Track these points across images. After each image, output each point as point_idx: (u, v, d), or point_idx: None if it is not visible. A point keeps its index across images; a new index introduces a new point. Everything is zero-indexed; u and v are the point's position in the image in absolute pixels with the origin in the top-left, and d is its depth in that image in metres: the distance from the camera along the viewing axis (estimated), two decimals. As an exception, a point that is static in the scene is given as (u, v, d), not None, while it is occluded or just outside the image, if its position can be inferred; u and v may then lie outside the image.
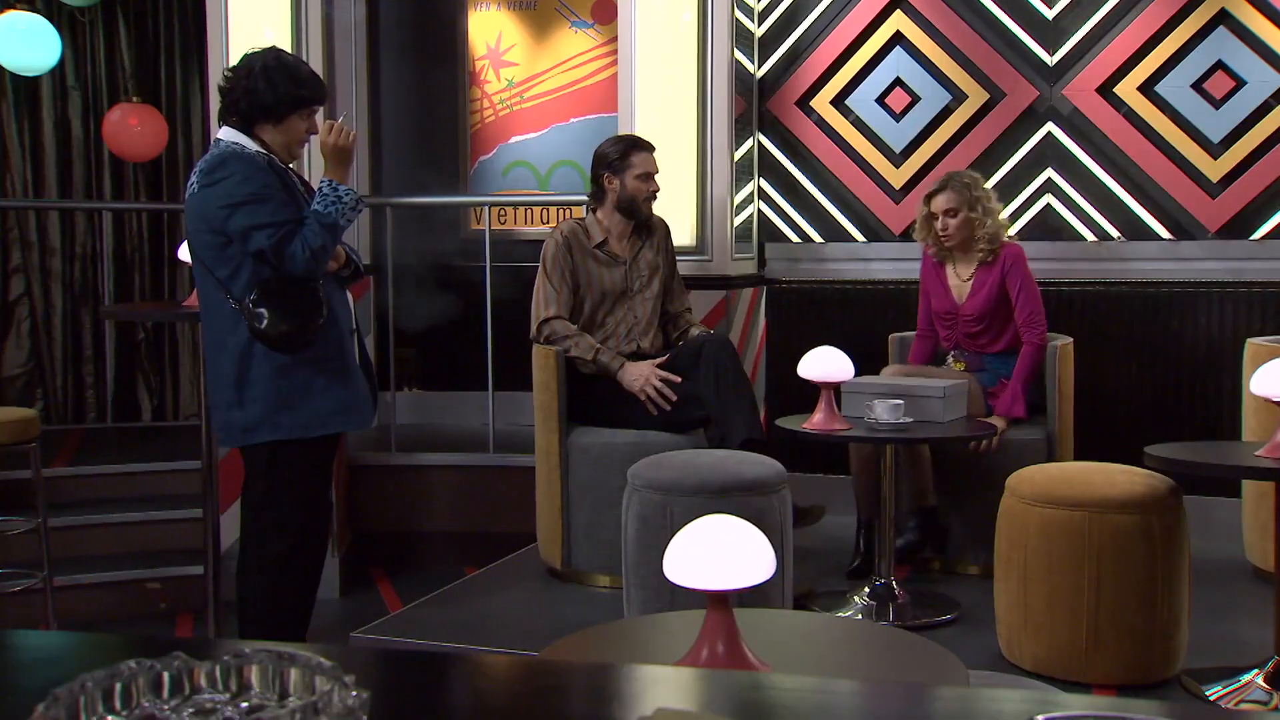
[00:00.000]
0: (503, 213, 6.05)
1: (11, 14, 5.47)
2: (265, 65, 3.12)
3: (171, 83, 6.32)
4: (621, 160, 4.09)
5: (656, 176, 4.17)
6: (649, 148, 4.16)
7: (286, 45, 4.86)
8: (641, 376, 3.95)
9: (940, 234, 4.13)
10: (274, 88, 3.09)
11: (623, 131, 4.81)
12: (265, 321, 3.03)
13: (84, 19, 6.13)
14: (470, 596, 3.81)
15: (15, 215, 6.07)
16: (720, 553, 1.81)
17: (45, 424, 5.72)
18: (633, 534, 3.30)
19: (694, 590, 1.82)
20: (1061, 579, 3.05)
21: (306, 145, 3.26)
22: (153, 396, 6.33)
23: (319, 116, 3.28)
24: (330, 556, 4.68)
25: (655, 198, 4.19)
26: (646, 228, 4.24)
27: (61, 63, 5.87)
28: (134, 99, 6.02)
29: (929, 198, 4.18)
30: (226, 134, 3.14)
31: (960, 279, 4.21)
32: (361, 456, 5.12)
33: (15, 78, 5.83)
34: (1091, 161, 4.66)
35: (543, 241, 4.22)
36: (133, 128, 5.86)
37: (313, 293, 3.09)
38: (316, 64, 4.89)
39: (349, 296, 3.34)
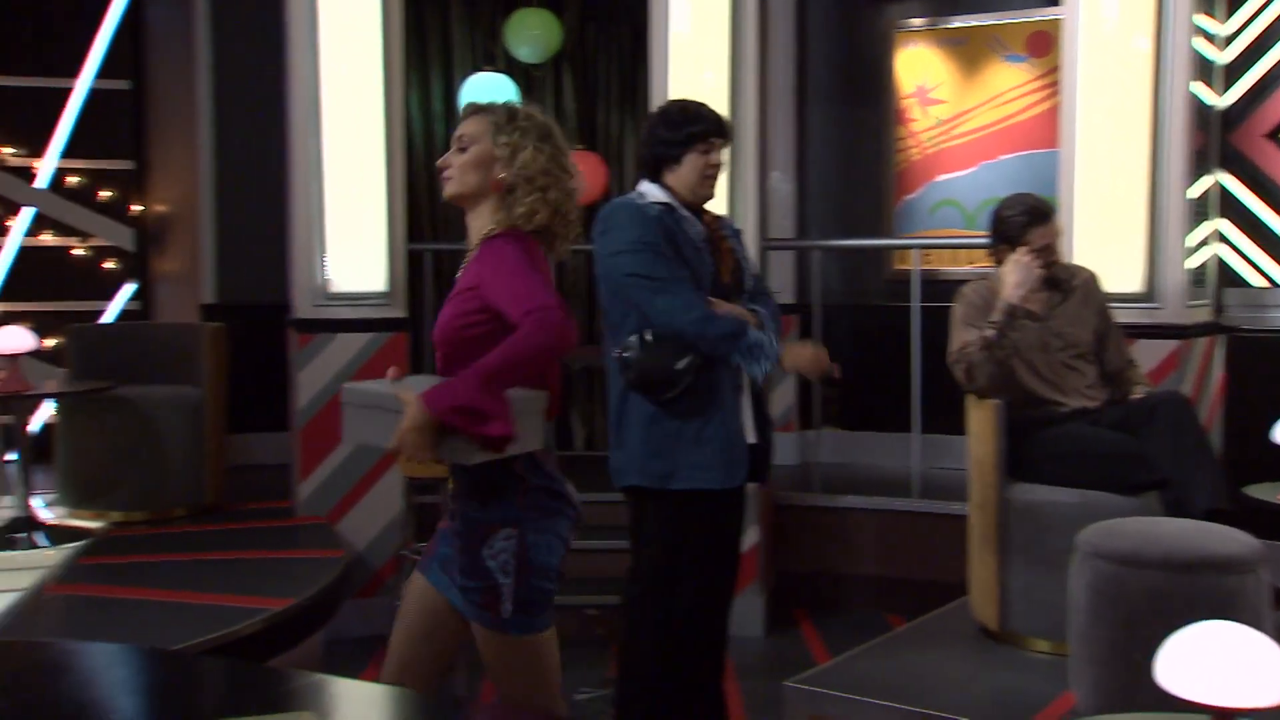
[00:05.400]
0: (928, 252, 5.95)
1: (479, 75, 6.03)
2: (664, 110, 3.25)
3: (608, 128, 6.71)
4: (1019, 235, 3.81)
5: (1057, 240, 3.86)
6: (1047, 219, 3.81)
7: (724, 87, 4.98)
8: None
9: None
10: (670, 127, 3.18)
11: (1064, 168, 4.59)
12: (627, 366, 3.09)
13: (538, 73, 6.64)
14: (901, 651, 3.74)
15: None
16: (1227, 665, 1.67)
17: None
18: (1083, 604, 3.11)
19: (1194, 704, 1.68)
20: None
21: (714, 181, 3.22)
22: (585, 425, 6.72)
23: (725, 154, 3.24)
24: (756, 595, 4.80)
25: (1051, 267, 3.90)
26: (1060, 281, 3.98)
27: (516, 114, 6.37)
28: (576, 146, 6.43)
29: None
30: (641, 186, 3.24)
31: None
32: (785, 496, 5.18)
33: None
34: None
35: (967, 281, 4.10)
36: (576, 173, 6.26)
37: (680, 345, 3.06)
38: (749, 104, 5.00)
39: None
